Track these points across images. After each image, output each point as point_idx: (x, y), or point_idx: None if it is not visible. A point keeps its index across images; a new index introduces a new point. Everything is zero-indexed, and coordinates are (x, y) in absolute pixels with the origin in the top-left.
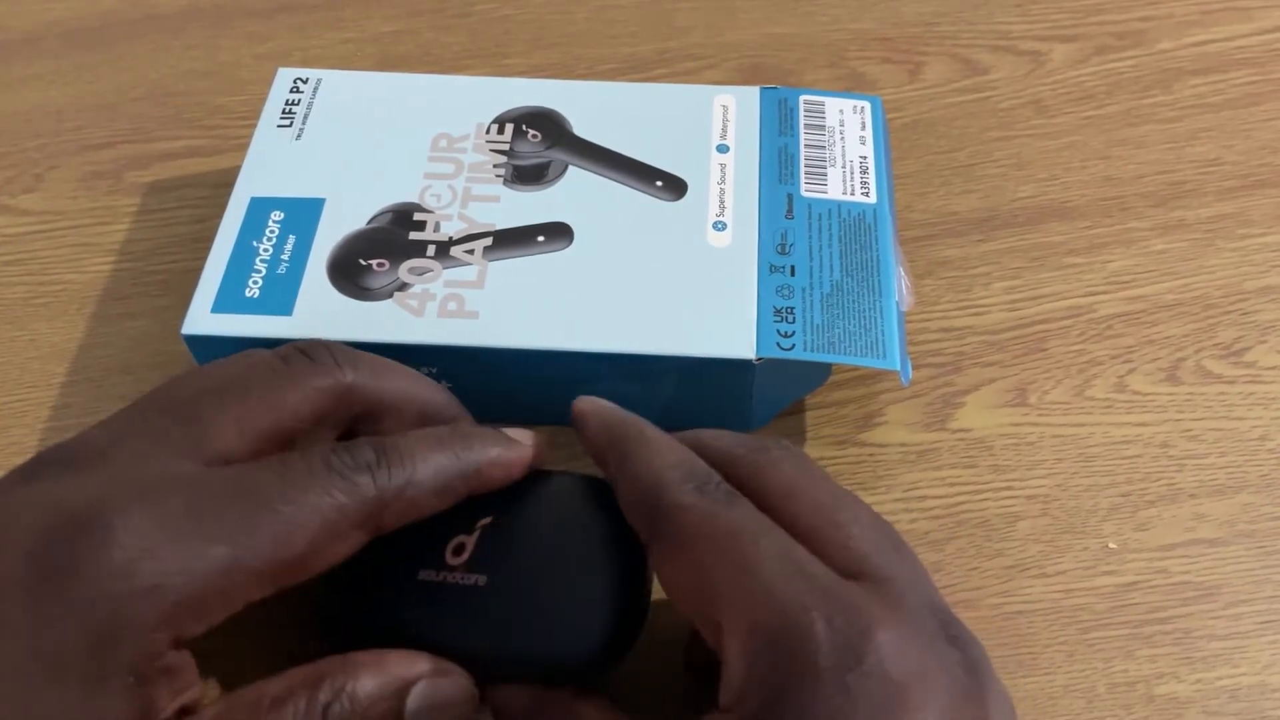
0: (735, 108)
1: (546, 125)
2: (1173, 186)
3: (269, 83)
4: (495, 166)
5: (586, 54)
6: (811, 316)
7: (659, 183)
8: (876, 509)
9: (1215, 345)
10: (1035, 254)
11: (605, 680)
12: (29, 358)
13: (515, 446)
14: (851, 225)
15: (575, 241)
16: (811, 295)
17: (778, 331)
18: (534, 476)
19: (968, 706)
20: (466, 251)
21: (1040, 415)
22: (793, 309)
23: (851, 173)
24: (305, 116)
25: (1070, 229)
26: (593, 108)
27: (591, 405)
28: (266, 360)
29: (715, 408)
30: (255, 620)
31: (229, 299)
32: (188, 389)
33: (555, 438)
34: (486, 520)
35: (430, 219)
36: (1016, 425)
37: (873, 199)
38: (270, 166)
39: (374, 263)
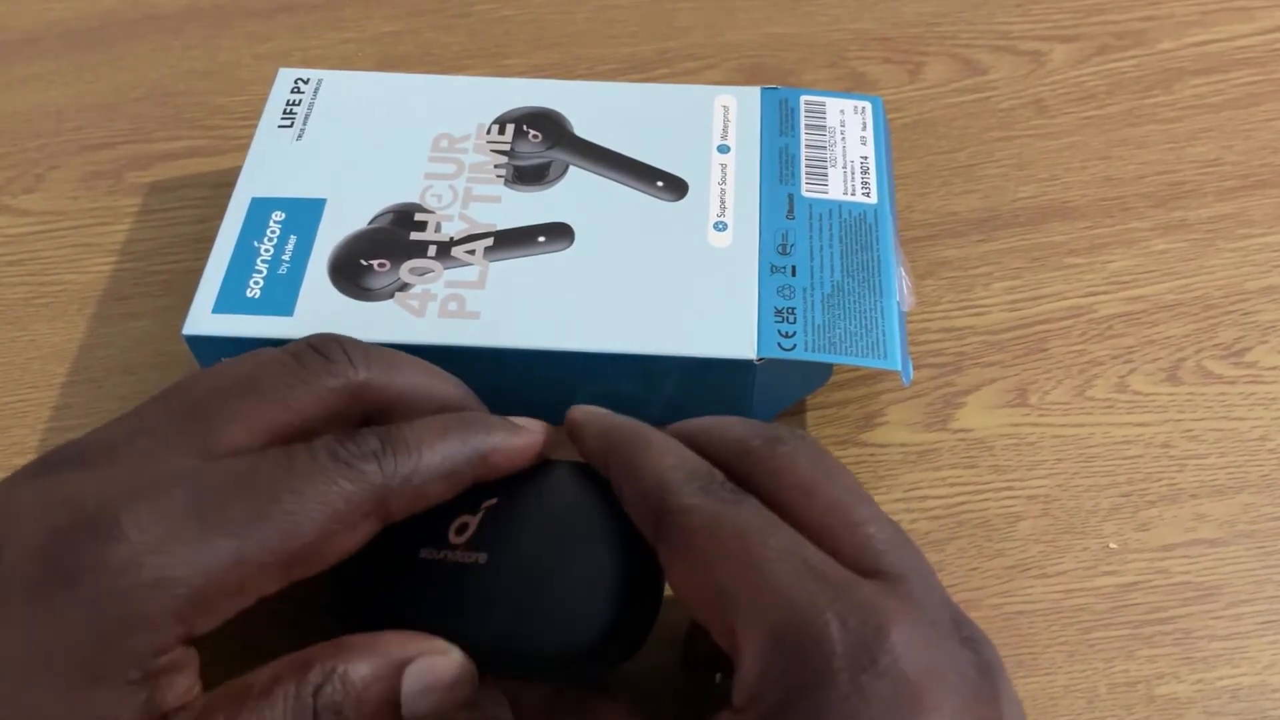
0: (736, 108)
1: (547, 125)
2: (1173, 187)
3: (269, 83)
4: (496, 167)
5: (587, 54)
6: (812, 317)
7: (660, 183)
8: None
9: (1216, 345)
10: (1036, 254)
11: (618, 679)
12: (30, 358)
13: (523, 433)
14: (852, 225)
15: (576, 242)
16: (812, 295)
17: (779, 332)
18: (545, 464)
19: (981, 708)
20: (467, 252)
21: (1041, 415)
22: (794, 309)
23: (852, 173)
24: (306, 117)
25: (1071, 229)
26: (593, 108)
27: (585, 414)
28: (278, 358)
29: (716, 408)
30: (263, 614)
31: (230, 299)
32: (198, 389)
33: (558, 436)
34: (492, 501)
35: (431, 219)
36: (1017, 425)
37: (873, 199)
38: (271, 167)
39: (375, 263)
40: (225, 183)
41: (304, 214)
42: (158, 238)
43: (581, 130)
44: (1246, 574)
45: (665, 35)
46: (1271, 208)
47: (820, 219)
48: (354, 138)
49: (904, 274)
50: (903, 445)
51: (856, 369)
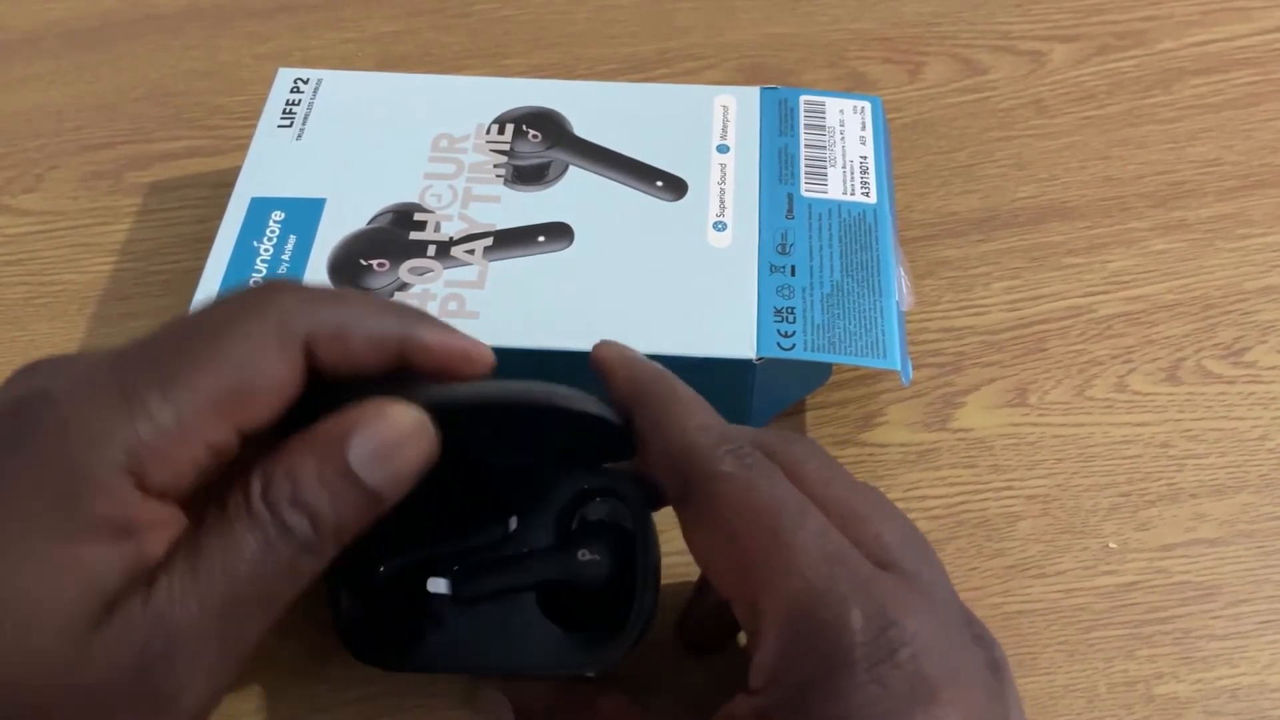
0: (735, 108)
1: (547, 125)
2: (1173, 187)
3: (269, 83)
4: (496, 166)
5: (586, 54)
6: (812, 316)
7: (659, 183)
8: None
9: (1215, 345)
10: (1035, 254)
11: (617, 674)
12: (30, 358)
13: (458, 336)
14: (852, 225)
15: (576, 242)
16: (812, 295)
17: (778, 331)
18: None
19: (991, 705)
20: (467, 251)
21: (1040, 415)
22: (793, 309)
23: (852, 173)
24: (306, 117)
25: (1070, 229)
26: (593, 108)
27: (616, 354)
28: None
29: (716, 408)
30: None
31: None
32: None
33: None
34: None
35: (431, 219)
36: (1017, 425)
37: (873, 199)
38: (271, 167)
39: (374, 263)
40: (225, 183)
41: (303, 214)
42: (158, 238)
43: (581, 130)
44: (1246, 574)
45: (665, 35)
46: (1271, 208)
47: (820, 219)
48: (354, 138)
49: (903, 274)
50: (902, 445)
51: (856, 369)
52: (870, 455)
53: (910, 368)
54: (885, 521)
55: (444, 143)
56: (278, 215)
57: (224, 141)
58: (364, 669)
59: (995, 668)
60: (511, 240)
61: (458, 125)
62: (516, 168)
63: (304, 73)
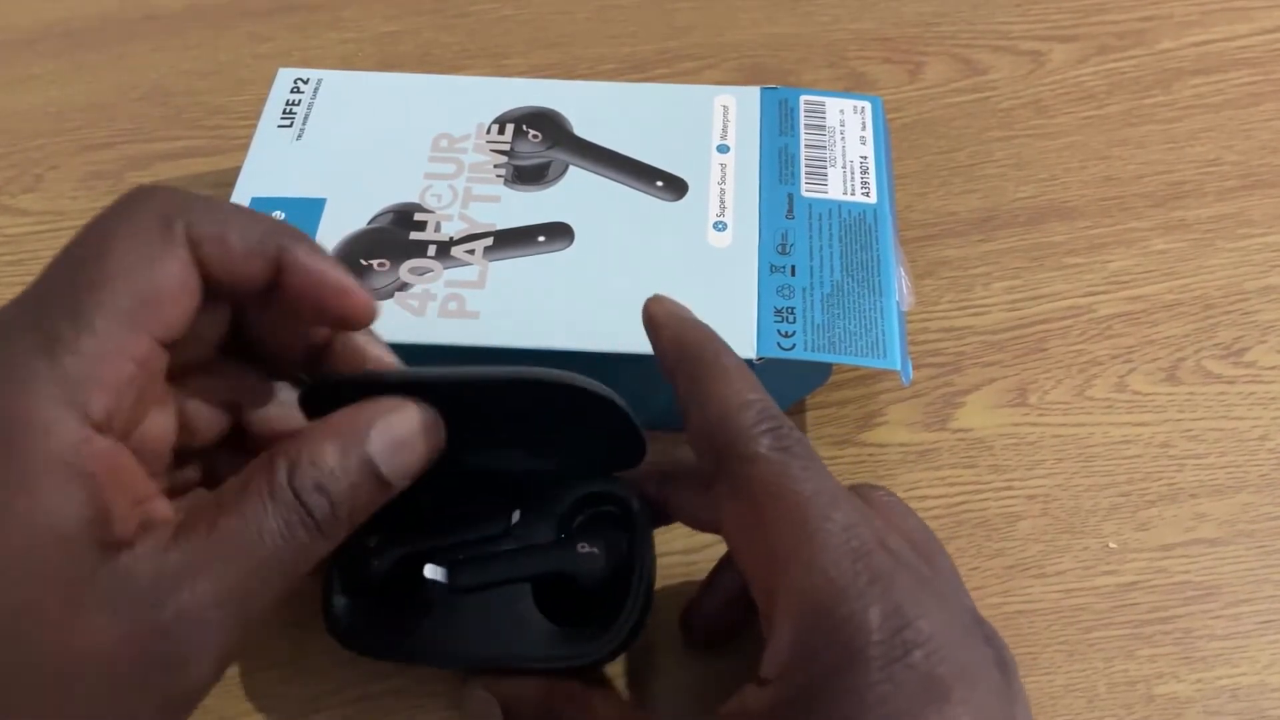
0: (736, 108)
1: (547, 125)
2: (1173, 186)
3: (269, 83)
4: (496, 166)
5: (586, 54)
6: (812, 316)
7: (659, 183)
8: None
9: (1215, 345)
10: (1035, 254)
11: (613, 671)
12: None
13: (333, 265)
14: (852, 225)
15: (576, 241)
16: (812, 295)
17: (778, 331)
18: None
19: (1001, 705)
20: (467, 251)
21: (1040, 415)
22: (793, 309)
23: (852, 173)
24: (306, 117)
25: (1070, 229)
26: (593, 108)
27: (665, 311)
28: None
29: None
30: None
31: None
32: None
33: None
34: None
35: (431, 219)
36: (1017, 425)
37: (873, 199)
38: (271, 166)
39: (375, 263)
40: (225, 183)
41: (304, 213)
42: None
43: (581, 130)
44: (1246, 573)
45: (665, 35)
46: (1271, 208)
47: (820, 219)
48: (354, 138)
49: (903, 274)
50: (902, 445)
51: (856, 369)
52: (870, 455)
53: (910, 368)
54: (910, 519)
55: (444, 143)
56: (278, 215)
57: (224, 141)
58: (363, 669)
59: (1004, 668)
60: (512, 240)
61: (458, 125)
62: (517, 168)
63: (304, 73)
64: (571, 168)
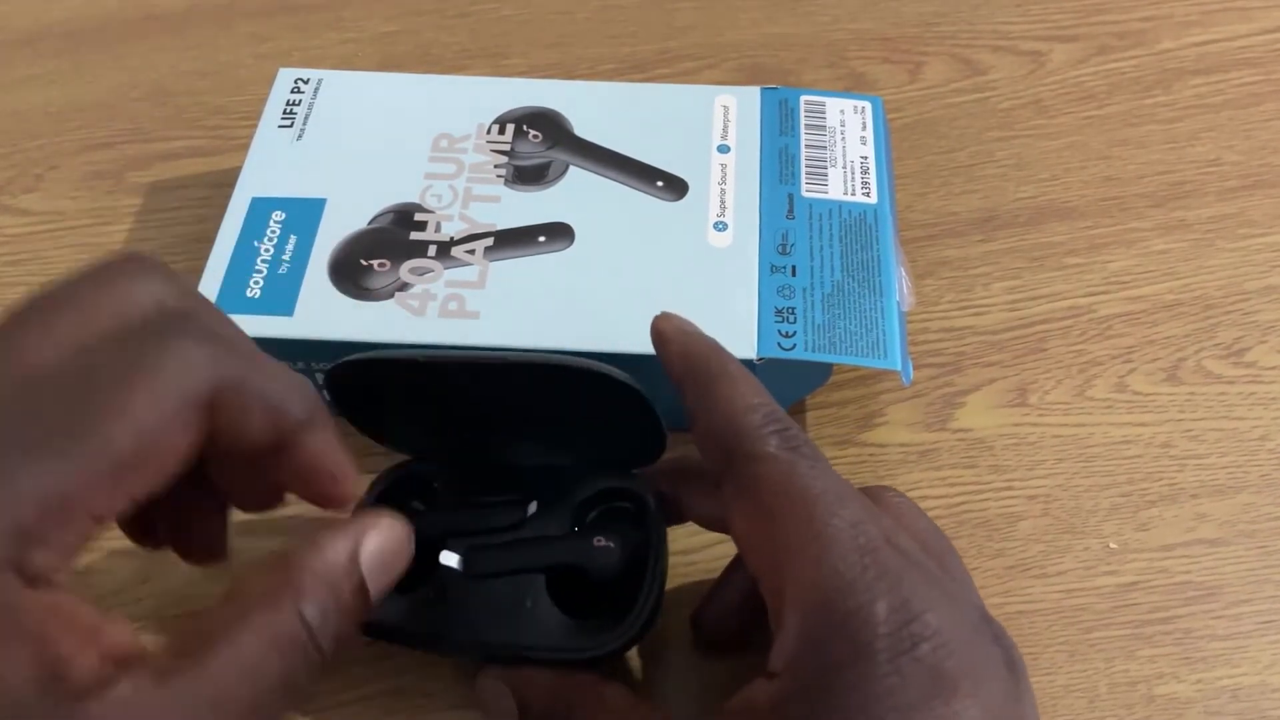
0: (736, 108)
1: (547, 125)
2: (1173, 187)
3: (269, 83)
4: (496, 167)
5: (587, 54)
6: (812, 316)
7: (660, 183)
8: None
9: (1216, 345)
10: (1036, 254)
11: (623, 664)
12: None
13: (338, 451)
14: (852, 225)
15: (576, 242)
16: (812, 295)
17: (779, 331)
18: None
19: (1008, 703)
20: (467, 251)
21: (1041, 415)
22: (794, 309)
23: (852, 173)
24: (306, 117)
25: (1070, 229)
26: (593, 108)
27: (672, 327)
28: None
29: None
30: None
31: (230, 299)
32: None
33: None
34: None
35: (431, 219)
36: (1017, 425)
37: (873, 199)
38: (271, 167)
39: (375, 263)
40: (225, 183)
41: (304, 214)
42: (158, 238)
43: (581, 130)
44: (1247, 574)
45: (665, 35)
46: (1271, 208)
47: (820, 219)
48: (354, 138)
49: (904, 274)
50: (903, 445)
51: (856, 369)
52: (871, 455)
53: (911, 368)
54: (921, 520)
55: (444, 143)
56: (278, 215)
57: (224, 141)
58: (363, 669)
59: (1013, 667)
60: (512, 240)
61: (458, 125)
62: (517, 168)
63: (304, 73)
64: (572, 168)
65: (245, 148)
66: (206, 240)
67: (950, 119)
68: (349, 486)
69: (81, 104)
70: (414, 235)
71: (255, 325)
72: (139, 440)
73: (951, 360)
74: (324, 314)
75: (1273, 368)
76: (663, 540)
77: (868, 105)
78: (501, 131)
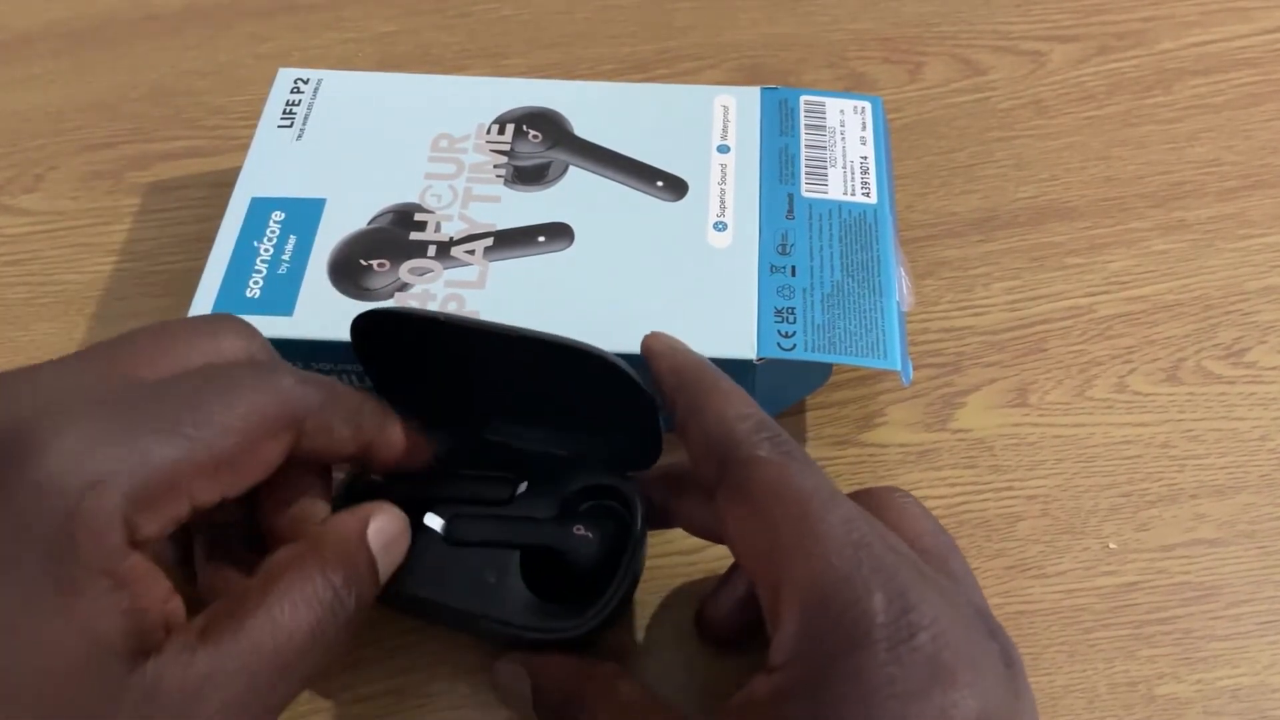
0: (736, 108)
1: (547, 125)
2: (1173, 187)
3: (269, 83)
4: (496, 167)
5: (586, 54)
6: (812, 316)
7: (660, 183)
8: None
9: (1216, 346)
10: (1035, 254)
11: (635, 659)
12: (31, 358)
13: (409, 431)
14: (852, 225)
15: (576, 242)
16: (812, 295)
17: (778, 332)
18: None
19: (1006, 695)
20: (467, 252)
21: (1041, 415)
22: (793, 309)
23: (852, 173)
24: (306, 117)
25: (1070, 229)
26: (593, 108)
27: (663, 345)
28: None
29: None
30: None
31: (230, 299)
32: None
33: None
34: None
35: (431, 219)
36: (1017, 425)
37: (873, 199)
38: (271, 167)
39: (375, 263)
40: (225, 183)
41: (304, 214)
42: (157, 238)
43: (581, 130)
44: (1246, 574)
45: (665, 35)
46: (1271, 208)
47: (820, 219)
48: (354, 138)
49: (904, 274)
50: (902, 445)
51: (856, 369)
52: (870, 456)
53: (910, 368)
54: (918, 522)
55: (444, 143)
56: (278, 215)
57: (224, 141)
58: (363, 669)
59: (1009, 662)
60: (512, 240)
61: (458, 125)
62: (517, 168)
63: (304, 73)
64: (571, 168)
65: (245, 148)
66: (206, 240)
67: (950, 119)
68: (426, 453)
69: (81, 104)
70: (413, 235)
71: (255, 325)
72: (240, 446)
73: (951, 360)
74: (324, 314)
75: (1273, 368)
76: (641, 543)
77: (867, 105)
78: (501, 131)
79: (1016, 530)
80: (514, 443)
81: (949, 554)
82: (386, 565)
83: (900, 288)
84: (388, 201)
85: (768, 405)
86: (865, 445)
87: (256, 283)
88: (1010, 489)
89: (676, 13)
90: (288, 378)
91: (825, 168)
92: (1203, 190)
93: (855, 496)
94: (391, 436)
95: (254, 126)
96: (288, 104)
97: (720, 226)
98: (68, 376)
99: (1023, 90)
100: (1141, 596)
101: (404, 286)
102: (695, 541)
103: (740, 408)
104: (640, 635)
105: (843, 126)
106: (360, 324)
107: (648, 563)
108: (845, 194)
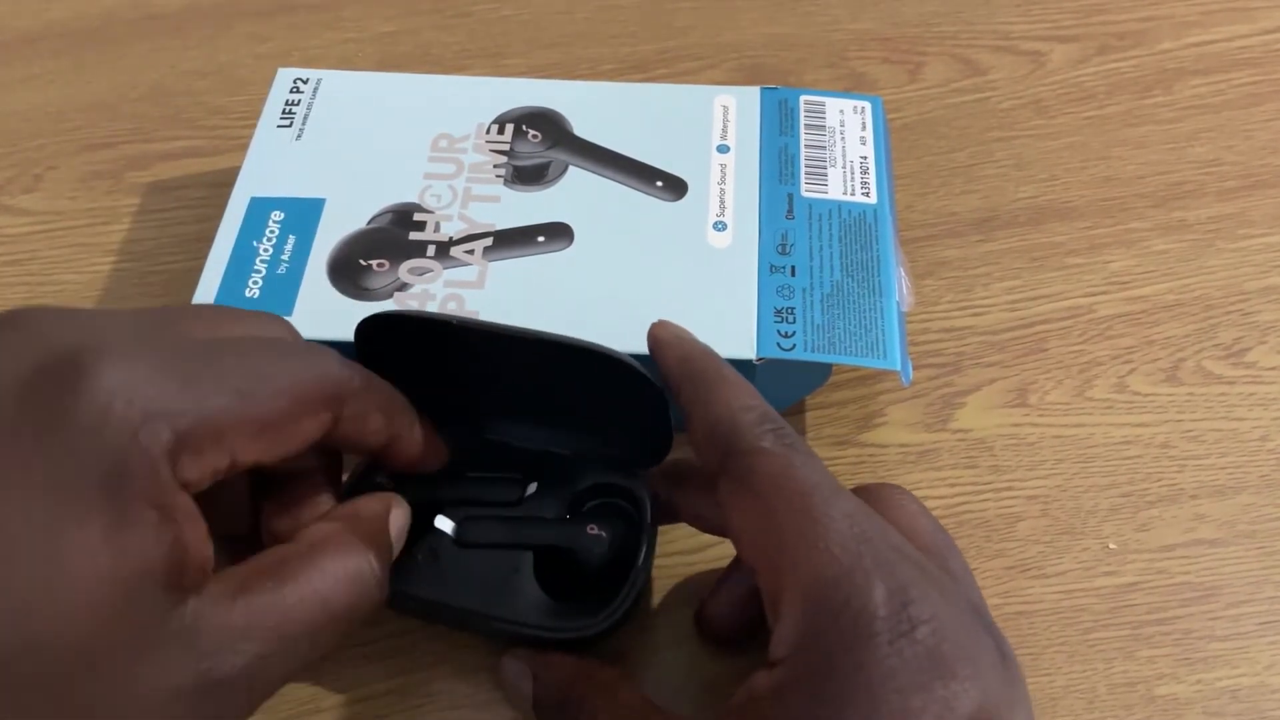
0: (735, 108)
1: (547, 125)
2: (1173, 187)
3: (269, 83)
4: (495, 167)
5: (586, 54)
6: (812, 316)
7: (659, 183)
8: None
9: (1215, 346)
10: (1035, 254)
11: (637, 664)
12: None
13: (424, 444)
14: (852, 225)
15: (575, 242)
16: (812, 295)
17: (778, 332)
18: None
19: (1003, 688)
20: (466, 252)
21: (1041, 416)
22: (793, 309)
23: (852, 173)
24: (305, 117)
25: (1070, 229)
26: (593, 108)
27: (669, 334)
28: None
29: None
30: None
31: (229, 299)
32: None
33: None
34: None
35: (430, 219)
36: (1017, 426)
37: (873, 199)
38: (270, 166)
39: (374, 263)
40: (224, 182)
41: (303, 214)
42: (157, 238)
43: (581, 130)
44: (1246, 574)
45: (665, 35)
46: (1271, 208)
47: (820, 219)
48: (353, 137)
49: (903, 274)
50: (902, 446)
51: (856, 369)
52: (870, 456)
53: (910, 368)
54: (916, 520)
55: (444, 143)
56: (277, 215)
57: (223, 141)
58: (363, 668)
59: (1005, 657)
60: (511, 240)
61: (457, 125)
62: (516, 168)
63: (304, 73)
64: (571, 168)
65: (244, 148)
66: (205, 240)
67: (950, 119)
68: (443, 456)
69: (81, 104)
70: (413, 235)
71: None
72: (286, 412)
73: (951, 360)
74: (323, 314)
75: (1273, 368)
76: (653, 539)
77: (867, 105)
78: (501, 131)
79: (1016, 530)
80: (514, 442)
81: (947, 551)
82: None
83: (900, 288)
84: (387, 201)
85: None
86: (865, 445)
87: (256, 282)
88: (1010, 489)
89: (676, 13)
90: (335, 358)
91: (825, 168)
92: (1203, 190)
93: (856, 493)
94: (417, 435)
95: (253, 126)
96: (287, 104)
97: (720, 226)
98: (126, 320)
99: (1023, 90)
100: (1141, 597)
101: (403, 286)
102: (695, 541)
103: (745, 399)
104: (640, 634)
105: (843, 126)
106: (365, 327)
107: None
108: (845, 194)
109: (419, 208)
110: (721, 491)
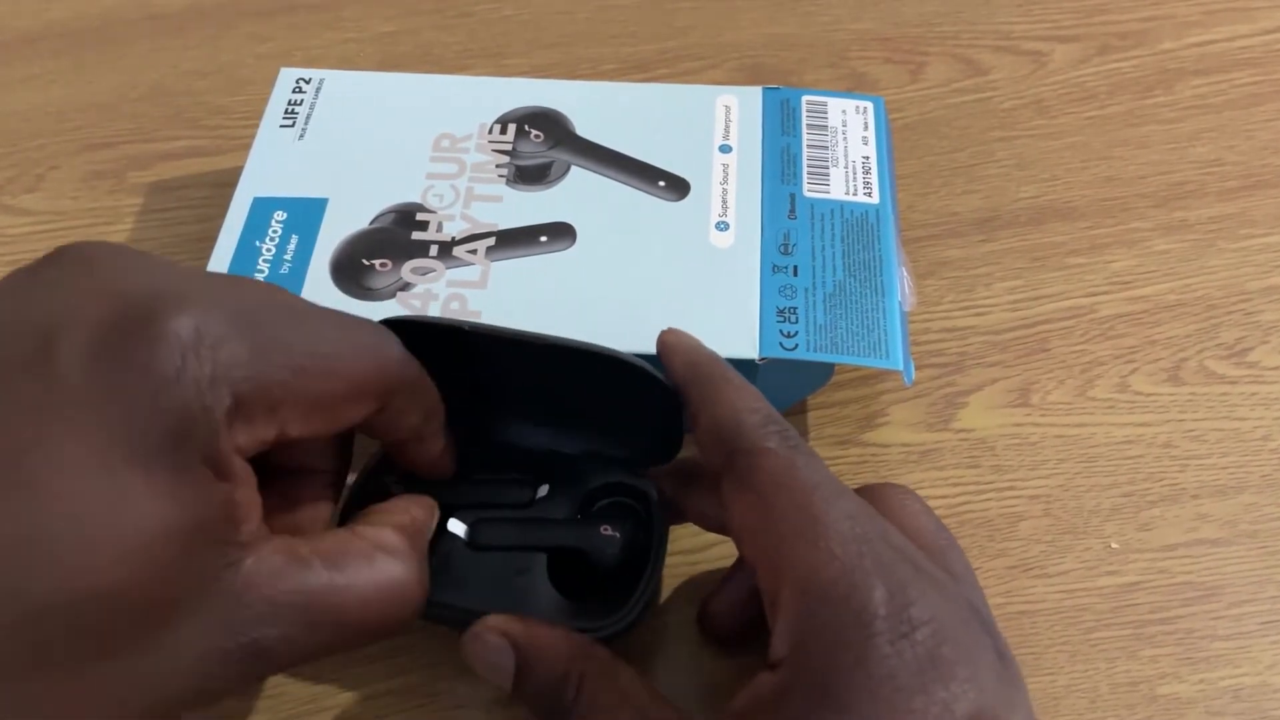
0: (738, 108)
1: (549, 125)
2: (1174, 187)
3: (270, 83)
4: (498, 166)
5: (587, 54)
6: (814, 316)
7: (662, 183)
8: None
9: (1217, 345)
10: (1037, 254)
11: (641, 655)
12: None
13: (440, 456)
14: (854, 225)
15: (578, 241)
16: (814, 295)
17: (780, 331)
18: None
19: (1002, 688)
20: (469, 251)
21: (1043, 415)
22: (795, 309)
23: (854, 173)
24: (308, 117)
25: (1072, 229)
26: (595, 108)
27: (677, 339)
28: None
29: None
30: None
31: None
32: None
33: None
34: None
35: (433, 219)
36: (1019, 425)
37: (875, 199)
38: (273, 166)
39: (377, 263)
40: (227, 182)
41: (306, 214)
42: (159, 238)
43: (583, 130)
44: (1248, 574)
45: (666, 35)
46: (1272, 208)
47: (822, 219)
48: (356, 137)
49: (906, 274)
50: (904, 445)
51: (858, 369)
52: (872, 455)
53: (912, 368)
54: (918, 519)
55: (446, 142)
56: (280, 215)
57: (225, 141)
58: (363, 668)
59: (1004, 656)
60: (514, 240)
61: (460, 125)
62: (519, 167)
63: (306, 72)
64: (574, 168)
65: (246, 147)
66: (208, 240)
67: (951, 119)
68: (453, 464)
69: (82, 104)
70: (415, 235)
71: None
72: (340, 394)
73: (953, 360)
74: None
75: (1274, 368)
76: (664, 537)
77: (869, 105)
78: (503, 131)
79: (1018, 530)
80: (520, 443)
81: (949, 551)
82: None
83: (902, 287)
84: (390, 201)
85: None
86: (867, 445)
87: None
88: (1012, 489)
89: (677, 13)
90: (397, 346)
91: (827, 167)
92: (1204, 190)
93: (858, 492)
94: (441, 439)
95: (255, 126)
96: (289, 104)
97: (722, 226)
98: (197, 275)
99: (1024, 90)
100: (1143, 596)
101: (406, 286)
102: (698, 541)
103: (750, 401)
104: (643, 632)
105: (844, 126)
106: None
107: None
108: (847, 194)
109: (421, 207)
110: (724, 489)
